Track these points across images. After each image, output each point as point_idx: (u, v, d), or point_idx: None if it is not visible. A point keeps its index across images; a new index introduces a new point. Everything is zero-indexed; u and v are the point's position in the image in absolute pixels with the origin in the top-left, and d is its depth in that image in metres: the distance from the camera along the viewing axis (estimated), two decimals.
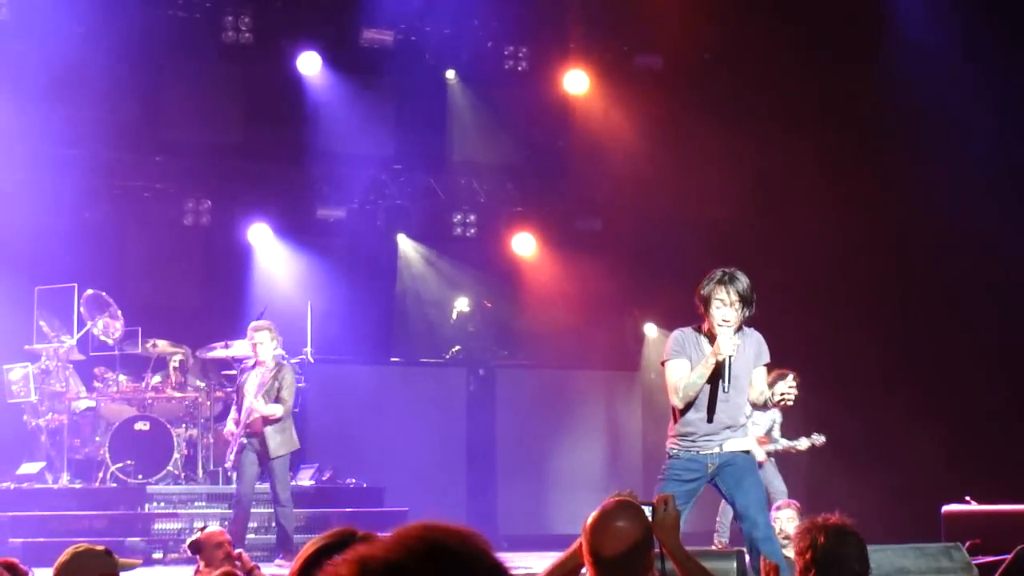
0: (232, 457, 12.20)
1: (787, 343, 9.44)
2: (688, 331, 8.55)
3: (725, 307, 8.30)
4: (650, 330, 18.30)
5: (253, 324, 12.42)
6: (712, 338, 8.33)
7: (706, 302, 8.35)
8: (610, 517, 5.23)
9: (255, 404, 11.89)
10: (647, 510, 5.36)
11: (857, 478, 14.86)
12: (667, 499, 5.44)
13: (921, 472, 15.07)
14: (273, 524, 12.53)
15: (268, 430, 11.92)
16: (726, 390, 8.31)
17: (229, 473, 13.29)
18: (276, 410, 11.93)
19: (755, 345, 8.55)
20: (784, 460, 12.55)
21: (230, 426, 12.25)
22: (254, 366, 12.20)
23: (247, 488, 12.08)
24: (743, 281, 8.34)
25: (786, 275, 15.58)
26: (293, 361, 14.76)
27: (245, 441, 12.01)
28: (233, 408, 12.39)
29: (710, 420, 8.39)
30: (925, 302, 16.14)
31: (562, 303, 17.74)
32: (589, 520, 5.25)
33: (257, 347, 12.15)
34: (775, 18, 16.80)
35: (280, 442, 11.96)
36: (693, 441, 8.41)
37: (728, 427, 8.42)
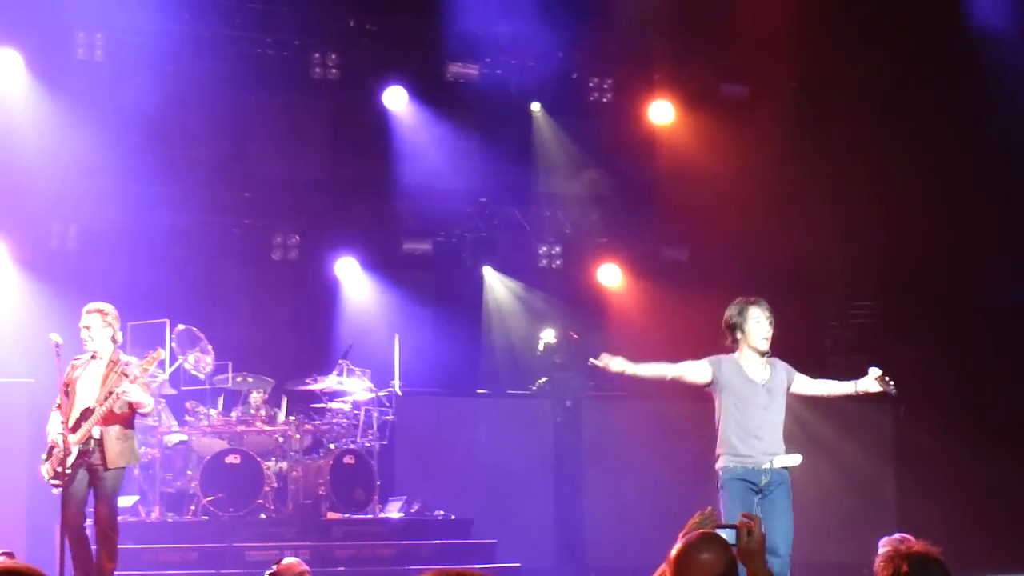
0: (68, 471, 10.23)
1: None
2: (727, 357, 9.17)
3: (763, 324, 8.98)
4: None
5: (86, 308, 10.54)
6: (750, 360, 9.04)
7: (739, 325, 9.02)
8: (695, 549, 5.23)
9: (132, 392, 10.13)
10: (730, 533, 5.36)
11: (949, 503, 14.73)
12: (751, 523, 5.43)
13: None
14: None
15: (110, 435, 10.25)
16: (767, 408, 8.93)
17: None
18: (149, 401, 10.44)
19: (783, 367, 9.20)
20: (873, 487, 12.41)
21: (53, 434, 10.30)
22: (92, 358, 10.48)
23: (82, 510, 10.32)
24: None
25: (879, 304, 15.49)
26: (381, 394, 14.88)
27: (76, 451, 10.21)
28: (56, 413, 10.40)
29: (759, 437, 8.90)
30: None
31: (649, 333, 17.67)
32: (674, 552, 5.25)
33: (84, 332, 10.44)
34: (860, 45, 16.73)
35: (119, 451, 10.31)
36: (747, 455, 8.90)
37: (772, 444, 8.93)
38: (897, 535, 10.30)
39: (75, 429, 10.26)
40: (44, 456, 10.38)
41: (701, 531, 5.36)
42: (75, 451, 10.21)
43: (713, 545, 5.26)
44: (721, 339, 9.08)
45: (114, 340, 10.48)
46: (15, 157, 15.29)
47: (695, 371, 9.26)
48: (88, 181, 15.58)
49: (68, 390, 10.40)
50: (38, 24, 15.46)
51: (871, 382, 9.24)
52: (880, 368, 9.24)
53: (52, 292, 11.25)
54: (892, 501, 16.93)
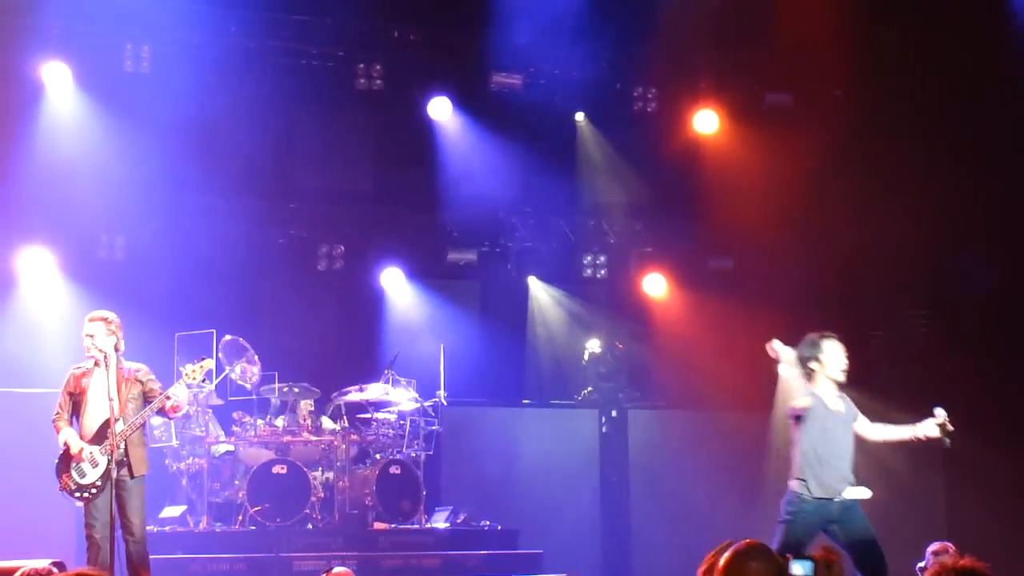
0: (98, 484, 10.19)
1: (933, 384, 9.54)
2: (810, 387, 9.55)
3: (841, 356, 9.49)
4: (784, 370, 18.09)
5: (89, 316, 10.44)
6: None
7: (815, 357, 9.45)
8: (744, 557, 5.25)
9: (177, 391, 10.26)
10: (806, 564, 5.33)
11: (1000, 514, 14.62)
12: (832, 556, 5.40)
13: None
14: None
15: (134, 444, 10.21)
16: (842, 439, 9.33)
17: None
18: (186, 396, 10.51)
19: (851, 402, 9.63)
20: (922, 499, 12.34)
21: (77, 445, 10.21)
22: (95, 365, 10.35)
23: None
24: None
25: (926, 313, 15.39)
26: (427, 404, 14.90)
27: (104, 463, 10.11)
28: (65, 423, 10.34)
29: (835, 467, 9.29)
30: None
31: (694, 343, 17.64)
32: (722, 561, 5.25)
33: (90, 340, 10.30)
34: (905, 52, 16.65)
35: (141, 457, 10.28)
36: (820, 485, 9.24)
37: (847, 474, 9.34)
38: (938, 544, 10.29)
39: (97, 440, 10.23)
40: (63, 469, 10.26)
41: (750, 540, 5.35)
42: (103, 463, 10.14)
43: (762, 554, 5.27)
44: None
45: (117, 348, 10.35)
46: (63, 168, 15.40)
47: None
48: (136, 192, 15.67)
49: (78, 400, 10.34)
50: (86, 36, 15.57)
51: (931, 427, 9.40)
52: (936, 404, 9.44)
53: (100, 303, 11.25)
54: (942, 512, 16.82)
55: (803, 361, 9.50)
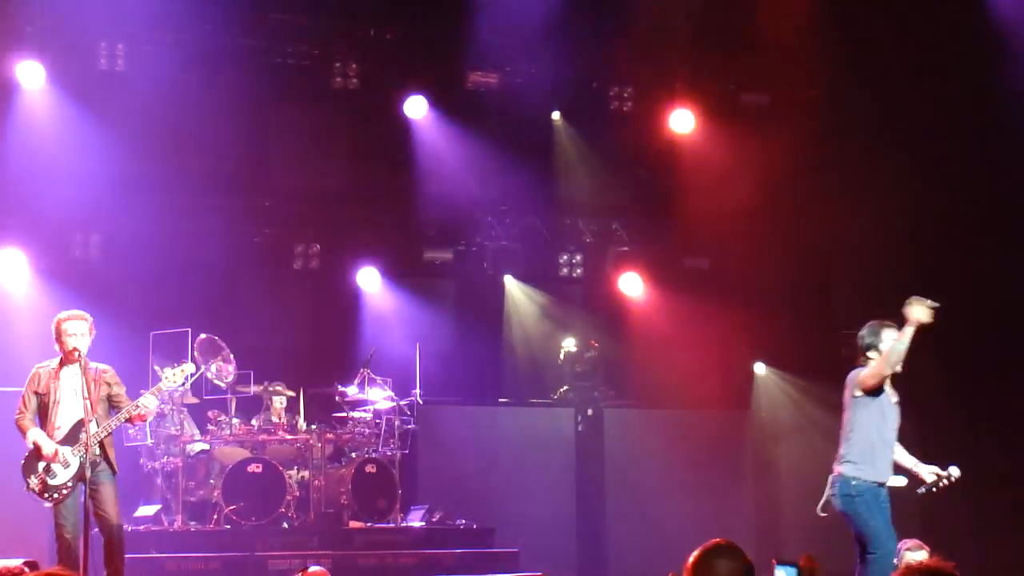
0: (69, 485, 10.14)
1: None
2: None
3: None
4: (759, 368, 18.19)
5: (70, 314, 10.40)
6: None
7: (874, 345, 9.41)
8: (712, 555, 5.28)
9: (147, 402, 10.26)
10: (790, 571, 5.36)
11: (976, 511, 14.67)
12: (815, 564, 5.44)
13: None
14: None
15: (107, 441, 10.19)
16: (896, 427, 9.44)
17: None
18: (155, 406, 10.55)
19: None
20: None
21: (49, 446, 10.13)
22: (61, 365, 10.32)
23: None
24: None
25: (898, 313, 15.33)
26: (403, 403, 14.90)
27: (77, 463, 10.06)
28: (31, 422, 10.25)
29: (888, 454, 9.45)
30: None
31: (670, 342, 17.67)
32: (691, 559, 5.28)
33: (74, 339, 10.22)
34: (881, 53, 16.69)
35: (113, 457, 10.24)
36: (876, 470, 9.35)
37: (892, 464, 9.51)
38: (911, 541, 10.32)
39: (68, 441, 10.17)
40: (31, 470, 10.16)
41: (718, 540, 5.38)
42: (75, 464, 10.09)
43: (730, 552, 5.30)
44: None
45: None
46: (37, 167, 15.36)
47: None
48: (110, 191, 15.64)
49: (45, 400, 10.25)
50: (60, 34, 15.52)
51: (930, 474, 9.65)
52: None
53: (74, 302, 11.22)
54: (917, 510, 16.89)
55: (864, 348, 9.45)
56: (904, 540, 10.53)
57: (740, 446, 17.60)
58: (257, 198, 16.86)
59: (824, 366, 15.33)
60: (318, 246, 16.87)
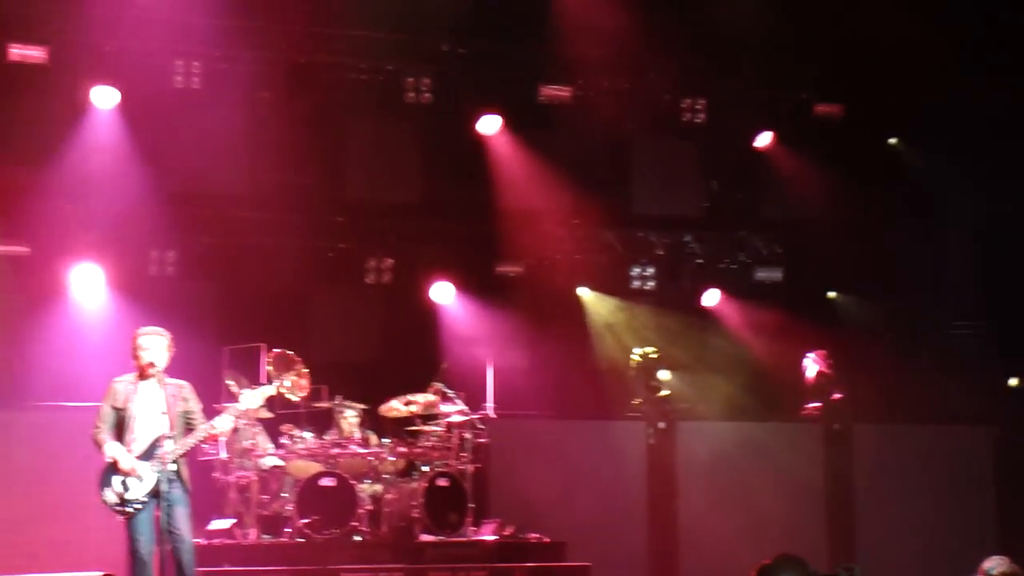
0: (144, 500, 10.31)
1: None
2: None
3: None
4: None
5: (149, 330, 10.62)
6: None
7: None
8: (773, 570, 5.27)
9: (222, 424, 10.49)
10: None
11: None
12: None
13: None
14: None
15: (182, 458, 10.37)
16: None
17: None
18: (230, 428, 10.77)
19: None
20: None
21: (127, 461, 10.30)
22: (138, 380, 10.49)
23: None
24: None
25: None
26: (475, 416, 14.92)
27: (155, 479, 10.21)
28: (109, 436, 10.41)
29: None
30: None
31: (744, 354, 17.61)
32: (754, 571, 5.28)
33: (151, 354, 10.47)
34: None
35: (188, 474, 10.46)
36: None
37: None
38: (998, 557, 10.15)
39: (145, 456, 10.30)
40: (107, 483, 10.31)
41: (780, 554, 5.38)
42: (150, 479, 10.23)
43: (791, 566, 5.29)
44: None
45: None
46: (114, 184, 15.58)
47: None
48: (185, 207, 15.85)
49: (123, 415, 10.39)
50: (136, 52, 15.71)
51: None
52: None
53: (149, 317, 11.39)
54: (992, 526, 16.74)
55: None
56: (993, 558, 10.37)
57: (813, 458, 17.45)
58: (329, 212, 16.98)
59: None
60: (391, 260, 16.97)
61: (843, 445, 17.22)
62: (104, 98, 15.66)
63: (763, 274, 18.20)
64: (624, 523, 16.30)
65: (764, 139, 17.88)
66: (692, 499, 16.84)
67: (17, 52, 15.24)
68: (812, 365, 17.35)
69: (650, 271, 18.00)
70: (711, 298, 18.16)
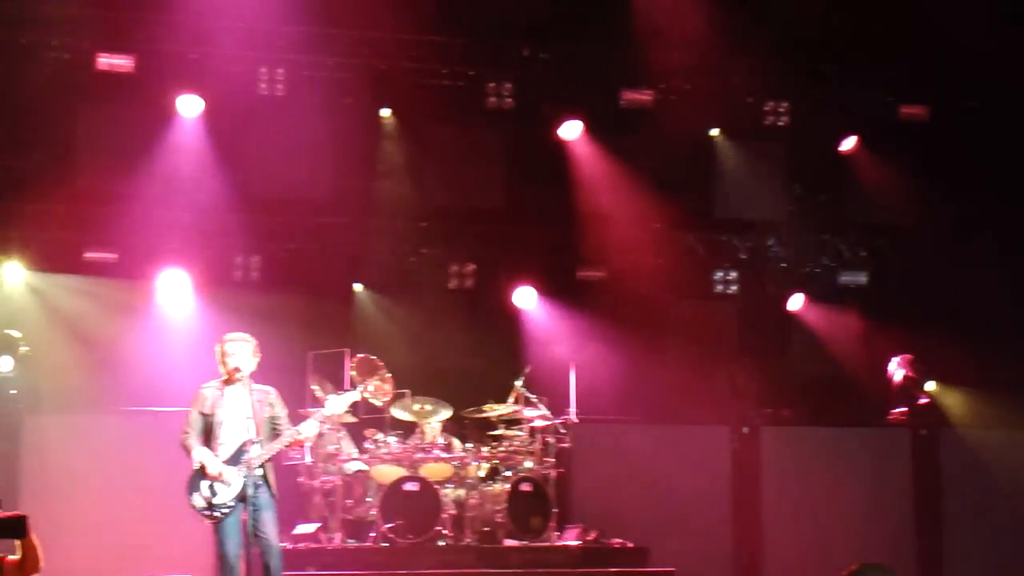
0: (231, 504, 10.47)
1: None
2: None
3: None
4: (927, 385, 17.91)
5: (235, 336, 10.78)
6: None
7: None
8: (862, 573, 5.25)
9: (308, 429, 10.62)
10: None
11: None
12: None
13: None
14: None
15: (268, 464, 10.54)
16: None
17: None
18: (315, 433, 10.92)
19: None
20: None
21: (215, 466, 10.50)
22: (224, 386, 10.67)
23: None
24: None
25: None
26: (558, 421, 14.92)
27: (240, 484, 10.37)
28: (197, 441, 10.57)
29: None
30: None
31: (829, 358, 17.49)
32: None
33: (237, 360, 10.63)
34: None
35: (274, 479, 10.57)
36: None
37: None
38: None
39: (232, 461, 10.40)
40: (194, 488, 10.43)
41: (865, 562, 5.36)
42: (237, 484, 10.33)
43: (883, 571, 5.27)
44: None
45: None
46: (199, 192, 15.75)
47: None
48: (269, 213, 16.00)
49: (210, 420, 10.50)
50: (221, 61, 15.87)
51: None
52: None
53: (234, 322, 11.53)
54: None
55: None
56: None
57: (900, 464, 17.27)
58: (413, 219, 17.04)
59: None
60: (473, 265, 17.02)
61: (930, 450, 17.04)
62: (189, 106, 15.85)
63: (847, 278, 18.01)
64: (708, 528, 16.23)
65: (849, 142, 17.73)
66: (776, 504, 16.75)
67: (105, 61, 15.46)
68: (898, 370, 17.19)
69: (733, 275, 17.90)
70: (795, 302, 18.03)
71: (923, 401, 17.15)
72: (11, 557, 8.36)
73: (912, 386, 17.20)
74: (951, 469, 17.11)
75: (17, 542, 8.29)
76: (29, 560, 8.33)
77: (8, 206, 15.63)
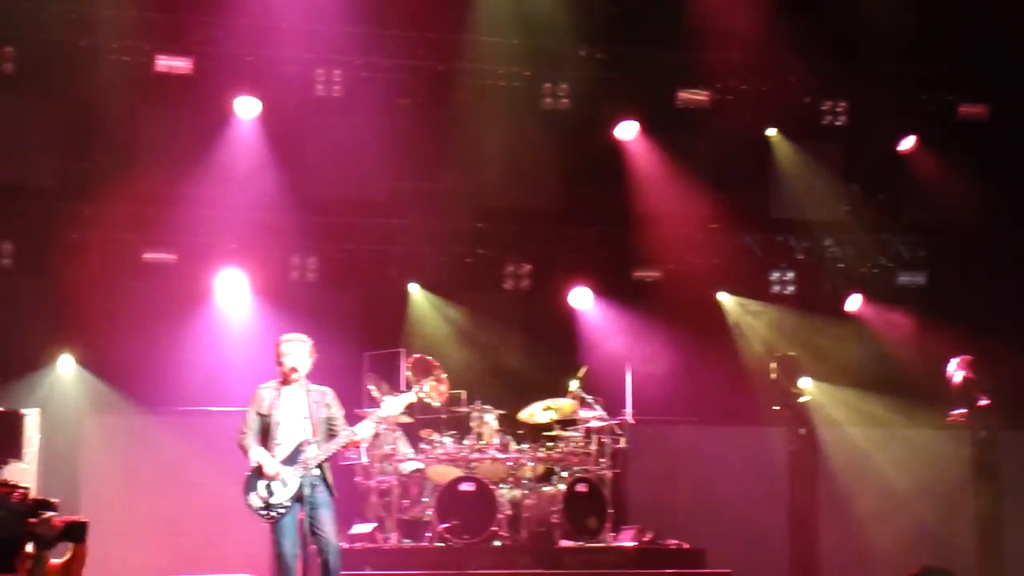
0: (287, 504, 10.45)
1: None
2: None
3: None
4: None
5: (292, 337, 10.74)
6: None
7: None
8: None
9: (364, 430, 10.60)
10: None
11: None
12: None
13: None
14: None
15: (326, 463, 10.50)
16: None
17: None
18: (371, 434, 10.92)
19: None
20: None
21: (271, 466, 10.44)
22: (281, 386, 10.62)
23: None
24: None
25: None
26: (614, 422, 14.89)
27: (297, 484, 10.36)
28: (254, 441, 10.53)
29: None
30: None
31: (883, 358, 17.38)
32: None
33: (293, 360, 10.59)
34: None
35: (333, 481, 10.56)
36: None
37: None
38: None
39: (289, 461, 10.42)
40: (251, 487, 10.44)
41: (927, 565, 5.33)
42: (294, 484, 10.33)
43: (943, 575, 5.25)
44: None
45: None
46: (257, 193, 15.85)
47: None
48: (325, 214, 16.08)
49: (267, 420, 10.50)
50: (278, 63, 15.96)
51: None
52: None
53: (291, 322, 11.59)
54: None
55: None
56: None
57: (957, 465, 17.12)
58: (469, 219, 17.07)
59: None
60: (529, 266, 17.02)
61: (990, 452, 16.87)
62: (247, 107, 15.95)
63: (906, 278, 17.89)
64: (765, 530, 16.16)
65: (907, 143, 17.61)
66: (834, 506, 16.65)
67: (164, 63, 15.59)
68: (957, 371, 17.04)
69: (790, 275, 17.81)
70: (852, 302, 17.93)
71: (983, 403, 16.97)
72: (54, 560, 8.35)
73: (971, 388, 17.03)
74: (1011, 471, 16.94)
75: (71, 546, 8.27)
76: (74, 567, 8.30)
77: (69, 206, 15.77)
